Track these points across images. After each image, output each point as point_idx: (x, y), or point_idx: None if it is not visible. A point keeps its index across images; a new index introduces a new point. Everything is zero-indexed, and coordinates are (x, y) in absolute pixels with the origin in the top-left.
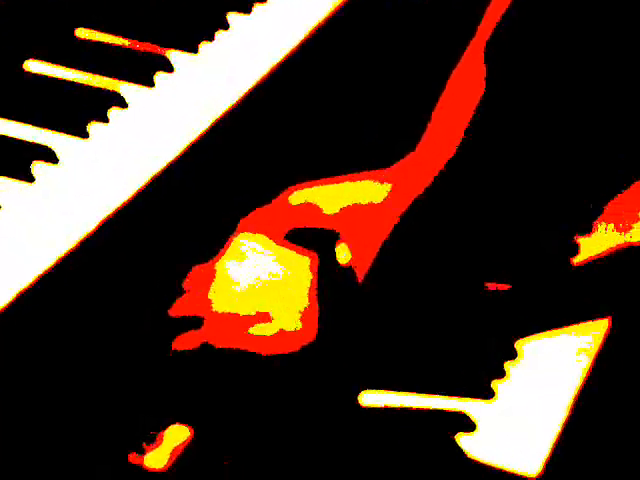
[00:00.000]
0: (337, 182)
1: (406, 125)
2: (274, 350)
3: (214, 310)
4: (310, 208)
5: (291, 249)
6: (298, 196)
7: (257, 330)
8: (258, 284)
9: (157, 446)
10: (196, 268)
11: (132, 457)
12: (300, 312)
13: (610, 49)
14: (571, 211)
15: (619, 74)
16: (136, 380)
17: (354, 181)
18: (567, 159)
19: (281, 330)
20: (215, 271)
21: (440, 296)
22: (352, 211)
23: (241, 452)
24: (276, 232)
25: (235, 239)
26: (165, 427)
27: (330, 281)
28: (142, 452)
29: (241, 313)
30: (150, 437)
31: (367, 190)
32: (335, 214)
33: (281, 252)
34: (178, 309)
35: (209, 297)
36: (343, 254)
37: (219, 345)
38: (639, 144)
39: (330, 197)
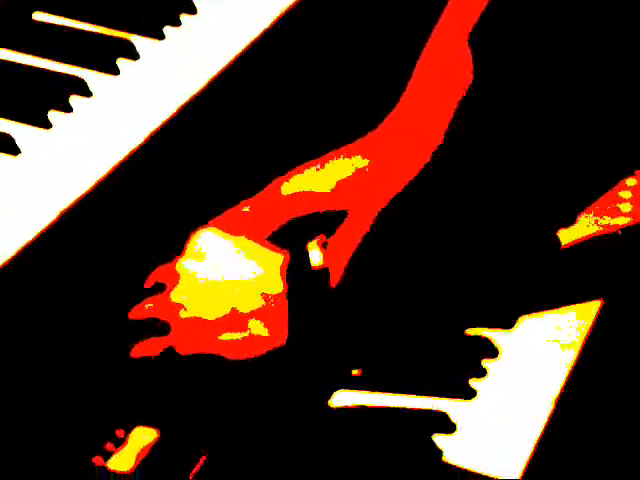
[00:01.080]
0: (322, 163)
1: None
2: (241, 354)
3: (177, 314)
4: (305, 195)
5: (260, 246)
6: (290, 185)
7: (224, 334)
8: (222, 285)
9: (122, 448)
10: (160, 268)
11: (96, 460)
12: (268, 315)
13: (599, 37)
14: (556, 201)
15: (611, 64)
16: (99, 381)
17: (338, 157)
18: (556, 149)
19: (250, 334)
20: (177, 271)
21: (417, 289)
22: (347, 185)
23: (210, 454)
24: (264, 229)
25: (194, 236)
26: (130, 429)
27: (301, 283)
28: (106, 454)
29: (206, 316)
30: (115, 439)
31: (352, 164)
32: (331, 192)
33: (248, 249)
34: (139, 312)
35: (171, 299)
36: (316, 256)
37: (184, 351)
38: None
39: (321, 178)
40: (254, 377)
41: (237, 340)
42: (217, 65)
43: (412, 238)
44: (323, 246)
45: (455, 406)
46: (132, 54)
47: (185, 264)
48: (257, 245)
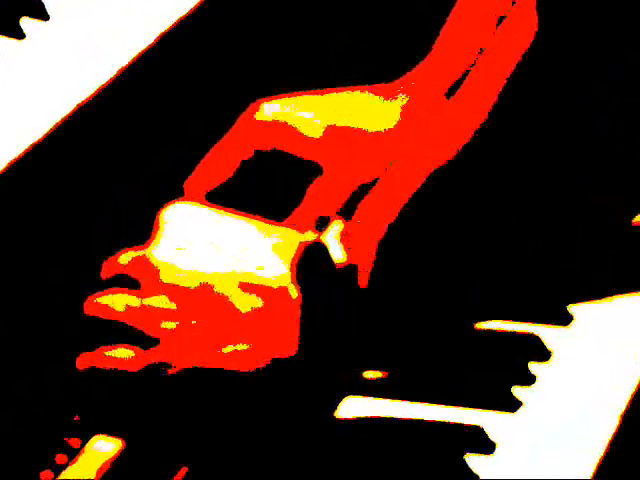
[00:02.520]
0: (322, 94)
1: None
2: (242, 366)
3: (158, 323)
4: (284, 129)
5: (265, 223)
6: (267, 110)
7: (224, 346)
8: (215, 278)
9: (76, 461)
10: (117, 255)
11: (45, 475)
12: (276, 315)
13: None
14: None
15: None
16: (49, 376)
17: (344, 93)
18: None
19: (254, 342)
20: (150, 261)
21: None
22: (343, 137)
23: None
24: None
25: (166, 210)
26: (88, 437)
27: (318, 283)
28: (57, 468)
29: (198, 326)
30: (68, 449)
31: (364, 107)
32: (319, 139)
33: (248, 227)
34: (92, 307)
35: (147, 302)
36: (336, 250)
37: (178, 364)
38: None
39: (313, 112)
40: (247, 382)
41: (240, 351)
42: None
43: (444, 217)
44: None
45: (495, 419)
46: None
47: (158, 250)
48: (261, 222)
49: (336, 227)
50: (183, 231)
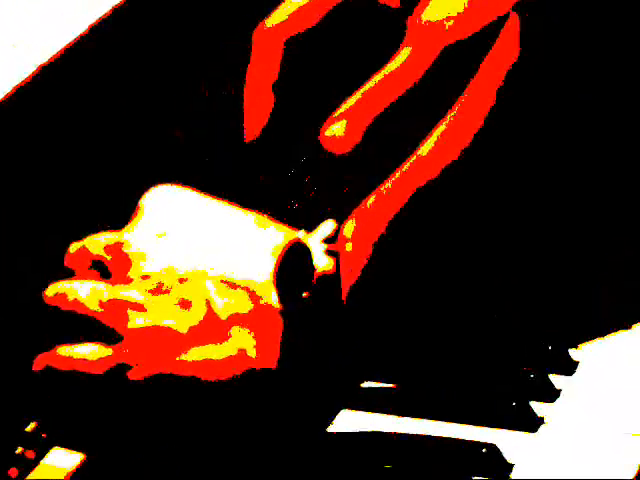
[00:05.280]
0: None
1: None
2: (216, 375)
3: (126, 318)
4: None
5: (257, 216)
6: None
7: (196, 350)
8: (195, 275)
9: (30, 475)
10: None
11: None
12: (259, 324)
13: None
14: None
15: None
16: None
17: None
18: None
19: (232, 350)
20: (119, 244)
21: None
22: None
23: None
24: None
25: (148, 193)
26: (45, 450)
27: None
28: None
29: (172, 324)
30: (22, 462)
31: None
32: None
33: (237, 219)
34: (54, 296)
35: (119, 294)
36: (322, 256)
37: (138, 374)
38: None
39: None
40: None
41: (214, 359)
42: None
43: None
44: (331, 242)
45: (514, 440)
46: None
47: (134, 237)
48: (252, 214)
49: (326, 229)
50: (164, 217)
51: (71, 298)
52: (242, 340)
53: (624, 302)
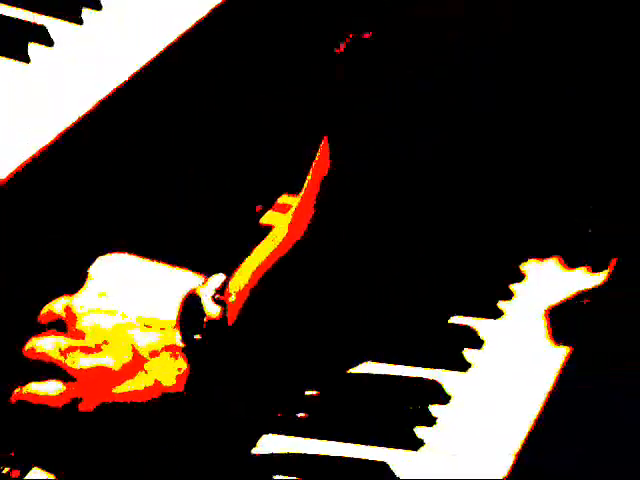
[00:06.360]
0: None
1: None
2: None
3: (77, 360)
4: None
5: (169, 269)
6: None
7: (127, 383)
8: (123, 324)
9: None
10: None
11: None
12: (167, 355)
13: None
14: None
15: None
16: None
17: None
18: None
19: (149, 380)
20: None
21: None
22: None
23: None
24: None
25: (93, 264)
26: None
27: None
28: None
29: (110, 364)
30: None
31: None
32: None
33: (154, 274)
34: (30, 350)
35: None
36: (212, 306)
37: (87, 407)
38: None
39: None
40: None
41: (137, 389)
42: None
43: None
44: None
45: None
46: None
47: (80, 300)
48: (169, 268)
49: (214, 282)
50: (105, 280)
51: (39, 350)
52: (158, 371)
53: None
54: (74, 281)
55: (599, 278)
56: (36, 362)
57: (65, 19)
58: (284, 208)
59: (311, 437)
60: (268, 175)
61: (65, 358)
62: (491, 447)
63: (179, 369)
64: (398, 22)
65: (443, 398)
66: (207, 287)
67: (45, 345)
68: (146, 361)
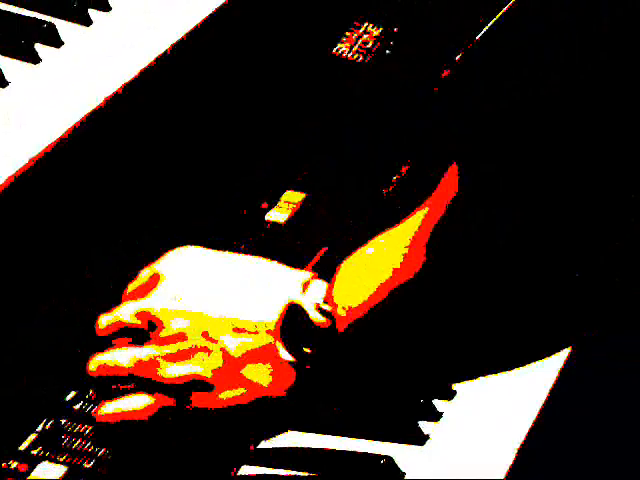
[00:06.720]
0: None
1: None
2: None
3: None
4: None
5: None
6: None
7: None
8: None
9: None
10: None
11: None
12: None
13: None
14: None
15: None
16: None
17: None
18: None
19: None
20: (146, 308)
21: None
22: None
23: None
24: None
25: (162, 259)
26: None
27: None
28: None
29: (201, 372)
30: (15, 475)
31: None
32: None
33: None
34: (98, 368)
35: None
36: (313, 311)
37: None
38: None
39: None
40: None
41: (234, 395)
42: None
43: None
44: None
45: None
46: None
47: (157, 301)
48: (258, 262)
49: (316, 289)
50: (180, 277)
51: (112, 365)
52: (255, 375)
53: None
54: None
55: None
56: (104, 378)
57: (74, 20)
58: None
59: None
60: (272, 172)
61: (147, 368)
62: None
63: (280, 374)
64: None
65: None
66: (309, 295)
67: (119, 358)
68: (241, 366)
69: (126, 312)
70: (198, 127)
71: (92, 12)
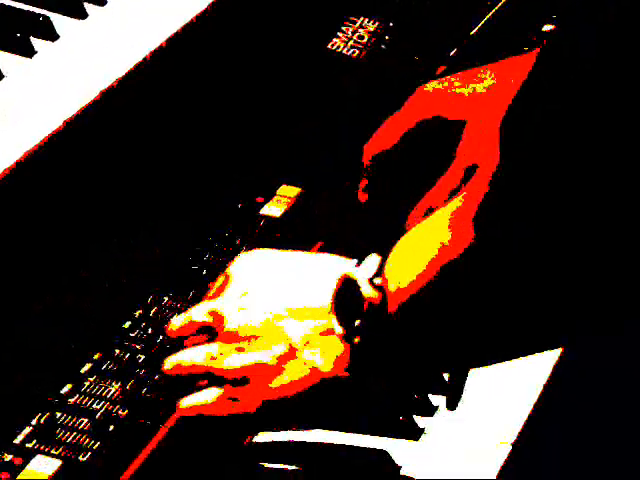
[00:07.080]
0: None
1: None
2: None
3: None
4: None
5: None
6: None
7: (283, 376)
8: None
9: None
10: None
11: None
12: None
13: None
14: None
15: None
16: None
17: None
18: None
19: (307, 368)
20: (216, 308)
21: None
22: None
23: None
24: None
25: (233, 263)
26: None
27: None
28: None
29: (265, 360)
30: (10, 468)
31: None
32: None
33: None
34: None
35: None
36: (366, 285)
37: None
38: None
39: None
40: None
41: (295, 379)
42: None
43: None
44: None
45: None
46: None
47: (226, 300)
48: (313, 255)
49: (370, 263)
50: (247, 277)
51: (188, 364)
52: (314, 358)
53: None
54: None
55: None
56: (180, 377)
57: (69, 14)
58: None
59: None
60: (268, 165)
61: (216, 362)
62: None
63: (337, 353)
64: None
65: None
66: (363, 269)
67: (194, 357)
68: (302, 350)
69: (197, 312)
70: (193, 121)
71: (88, 6)
